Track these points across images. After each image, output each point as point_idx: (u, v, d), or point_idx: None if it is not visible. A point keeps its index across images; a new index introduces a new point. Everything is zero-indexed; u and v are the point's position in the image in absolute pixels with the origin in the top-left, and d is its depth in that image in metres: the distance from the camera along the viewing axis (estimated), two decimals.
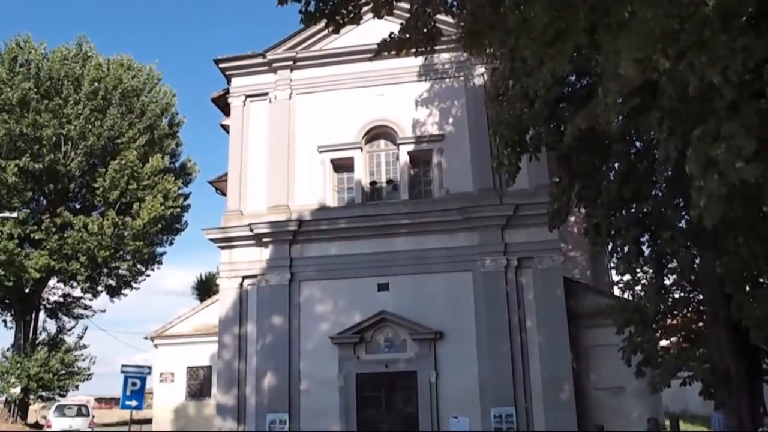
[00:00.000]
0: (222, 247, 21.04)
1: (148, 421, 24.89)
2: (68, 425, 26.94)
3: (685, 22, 6.85)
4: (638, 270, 14.18)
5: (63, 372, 35.30)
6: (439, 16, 12.62)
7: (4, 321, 37.41)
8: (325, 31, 17.72)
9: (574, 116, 9.32)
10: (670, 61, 6.81)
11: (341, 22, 11.04)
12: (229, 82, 22.73)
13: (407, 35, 11.68)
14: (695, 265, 13.73)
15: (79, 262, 32.73)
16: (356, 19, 11.20)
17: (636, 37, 6.92)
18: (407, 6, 12.75)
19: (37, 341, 36.15)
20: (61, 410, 28.66)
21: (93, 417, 29.77)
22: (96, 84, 33.19)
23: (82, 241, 31.93)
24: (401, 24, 11.86)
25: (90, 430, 28.11)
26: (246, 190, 21.52)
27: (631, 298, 15.84)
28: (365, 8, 11.44)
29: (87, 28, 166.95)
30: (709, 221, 6.68)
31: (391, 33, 12.07)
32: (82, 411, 29.11)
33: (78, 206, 35.77)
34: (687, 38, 6.82)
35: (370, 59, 14.29)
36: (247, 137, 22.02)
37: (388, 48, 12.14)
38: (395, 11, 12.19)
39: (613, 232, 12.33)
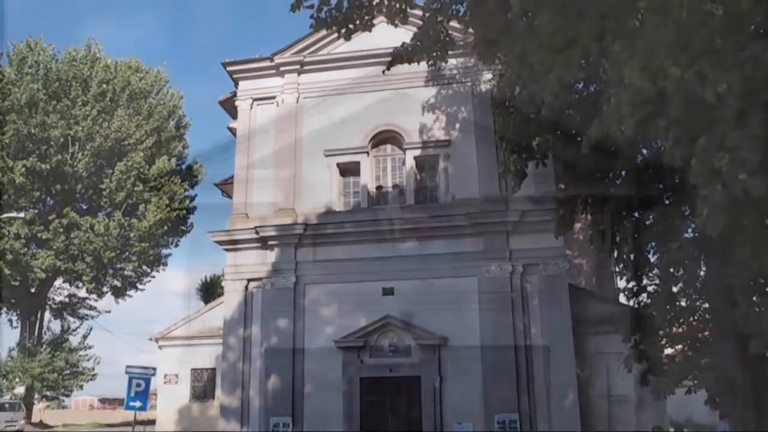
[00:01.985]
0: (228, 250, 21.07)
1: (152, 422, 24.90)
2: (10, 417, 31.47)
3: (694, 30, 6.83)
4: (644, 277, 14.11)
5: (67, 372, 35.53)
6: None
7: (10, 320, 37.61)
8: (333, 36, 17.71)
9: (585, 125, 9.29)
10: (680, 69, 6.79)
11: (352, 28, 11.05)
12: (236, 85, 22.76)
13: (419, 43, 11.69)
14: (702, 273, 13.67)
15: (84, 262, 32.88)
16: (368, 27, 11.20)
17: (646, 46, 6.91)
18: (419, 13, 12.76)
19: (42, 341, 36.30)
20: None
21: (24, 411, 33.90)
22: (104, 86, 33.36)
23: (88, 242, 32.06)
24: (414, 33, 11.87)
25: (23, 422, 32.59)
26: (252, 193, 21.53)
27: (636, 305, 15.78)
28: (377, 15, 11.43)
29: (95, 30, 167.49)
30: (713, 230, 6.67)
31: (403, 43, 12.05)
32: (15, 407, 32.46)
33: (84, 207, 35.94)
34: (697, 47, 6.80)
35: (382, 71, 14.17)
36: (254, 140, 22.05)
37: (400, 58, 12.13)
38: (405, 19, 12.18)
39: (618, 239, 12.31)
